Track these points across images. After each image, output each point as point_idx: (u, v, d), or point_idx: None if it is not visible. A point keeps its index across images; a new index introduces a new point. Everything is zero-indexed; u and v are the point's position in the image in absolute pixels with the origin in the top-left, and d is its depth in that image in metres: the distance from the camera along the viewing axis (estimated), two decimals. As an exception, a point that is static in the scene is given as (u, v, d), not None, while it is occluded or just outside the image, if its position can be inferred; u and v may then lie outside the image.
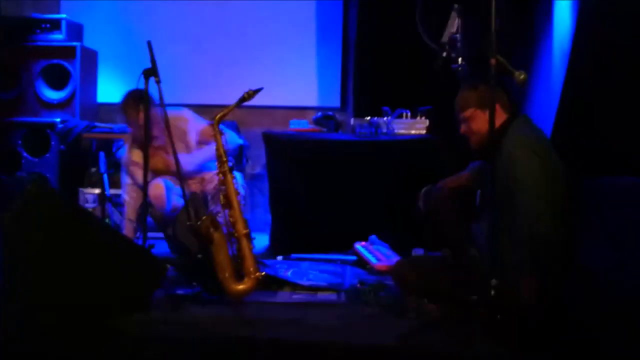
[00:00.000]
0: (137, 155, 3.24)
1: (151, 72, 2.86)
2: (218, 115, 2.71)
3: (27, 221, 2.26)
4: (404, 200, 2.99)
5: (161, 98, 2.86)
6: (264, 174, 4.13)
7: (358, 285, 2.81)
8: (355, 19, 4.57)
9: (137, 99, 3.08)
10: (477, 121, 2.42)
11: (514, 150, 2.29)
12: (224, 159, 2.68)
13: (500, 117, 2.38)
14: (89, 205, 3.85)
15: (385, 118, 3.68)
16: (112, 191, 3.87)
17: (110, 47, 4.64)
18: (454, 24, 3.33)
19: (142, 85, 2.87)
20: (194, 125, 3.42)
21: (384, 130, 3.65)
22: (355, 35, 4.54)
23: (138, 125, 3.15)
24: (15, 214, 2.27)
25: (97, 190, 3.94)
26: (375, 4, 4.41)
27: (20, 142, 4.17)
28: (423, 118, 3.68)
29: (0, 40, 4.19)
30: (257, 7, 4.69)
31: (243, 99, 2.64)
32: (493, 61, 2.27)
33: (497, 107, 2.31)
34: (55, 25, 4.23)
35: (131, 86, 3.01)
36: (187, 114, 3.47)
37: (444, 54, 3.28)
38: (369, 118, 3.70)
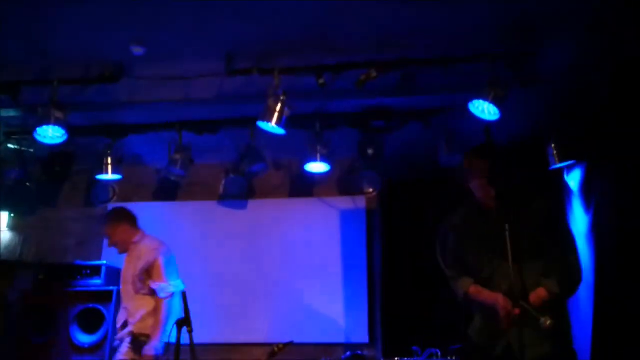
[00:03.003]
0: None
1: (184, 322, 2.95)
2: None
3: None
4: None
5: (192, 348, 2.89)
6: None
7: None
8: (380, 255, 4.73)
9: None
10: None
11: None
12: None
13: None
14: None
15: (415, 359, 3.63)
16: None
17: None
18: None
19: (174, 335, 2.94)
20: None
21: (416, 372, 3.57)
22: (380, 270, 4.67)
23: None
24: None
25: None
26: (398, 238, 4.60)
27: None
28: (454, 358, 3.61)
29: (44, 287, 4.36)
30: (283, 245, 4.92)
31: (273, 353, 2.66)
32: (517, 311, 2.36)
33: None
34: (96, 271, 4.44)
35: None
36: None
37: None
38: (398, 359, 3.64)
